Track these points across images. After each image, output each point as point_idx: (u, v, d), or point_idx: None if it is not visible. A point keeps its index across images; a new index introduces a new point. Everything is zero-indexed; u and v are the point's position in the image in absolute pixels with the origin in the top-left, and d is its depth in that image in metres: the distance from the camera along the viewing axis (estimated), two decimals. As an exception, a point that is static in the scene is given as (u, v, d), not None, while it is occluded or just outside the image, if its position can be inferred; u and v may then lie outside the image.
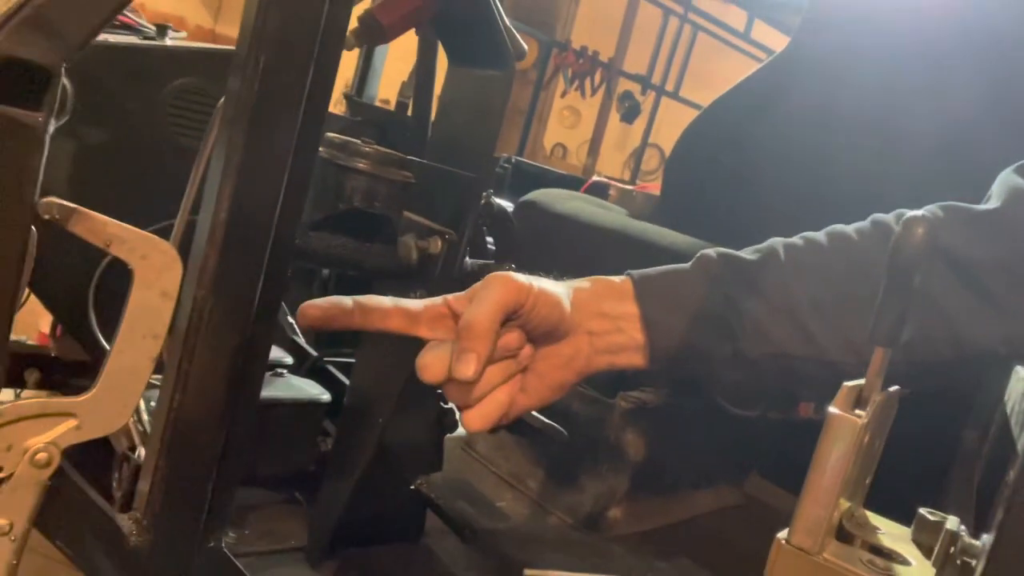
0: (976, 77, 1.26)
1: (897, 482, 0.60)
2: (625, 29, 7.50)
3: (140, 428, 0.83)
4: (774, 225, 0.67)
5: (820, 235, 0.60)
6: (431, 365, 0.53)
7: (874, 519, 0.36)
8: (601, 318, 0.59)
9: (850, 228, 0.60)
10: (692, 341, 0.58)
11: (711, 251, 0.61)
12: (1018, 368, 0.51)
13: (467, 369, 0.51)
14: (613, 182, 2.27)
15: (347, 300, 0.54)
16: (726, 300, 0.58)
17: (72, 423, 0.46)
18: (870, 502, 0.40)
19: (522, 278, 0.55)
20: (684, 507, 1.44)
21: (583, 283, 0.60)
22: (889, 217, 0.59)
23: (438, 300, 0.57)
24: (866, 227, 0.59)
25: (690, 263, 0.61)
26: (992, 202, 0.57)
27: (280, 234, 0.56)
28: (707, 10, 6.77)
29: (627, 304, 0.59)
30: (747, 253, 0.61)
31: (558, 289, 0.58)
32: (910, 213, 0.57)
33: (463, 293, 0.57)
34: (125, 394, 0.48)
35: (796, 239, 0.60)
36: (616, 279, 0.61)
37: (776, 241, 0.61)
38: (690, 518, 1.43)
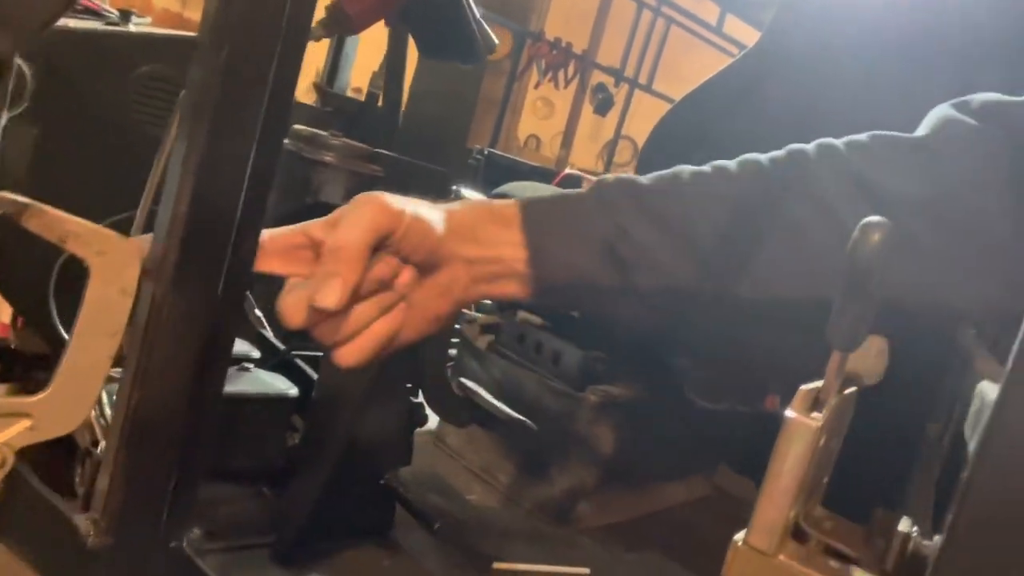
0: (949, 75, 1.27)
1: (860, 478, 0.60)
2: (599, 21, 7.51)
3: (103, 423, 0.82)
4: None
5: (731, 163, 0.56)
6: (293, 309, 0.49)
7: (831, 520, 0.36)
8: (478, 244, 0.54)
9: (764, 157, 0.55)
10: (580, 271, 0.54)
11: (610, 176, 0.57)
12: (976, 361, 0.51)
13: (331, 295, 0.46)
14: (585, 174, 2.28)
15: None
16: (617, 228, 0.53)
17: (26, 423, 0.45)
18: (833, 498, 0.40)
19: (394, 201, 0.51)
20: (654, 500, 1.45)
21: (459, 206, 0.56)
22: (808, 146, 0.55)
23: (294, 228, 0.53)
24: (780, 155, 0.55)
25: (586, 189, 0.57)
26: (921, 130, 0.54)
27: (244, 227, 0.55)
28: (680, 3, 6.80)
29: (511, 231, 0.55)
30: (648, 179, 0.56)
31: (432, 215, 0.53)
32: (839, 154, 0.53)
33: (324, 219, 0.52)
34: (82, 393, 0.47)
35: (705, 167, 0.56)
36: (501, 203, 0.56)
37: (683, 167, 0.56)
38: (660, 510, 1.44)
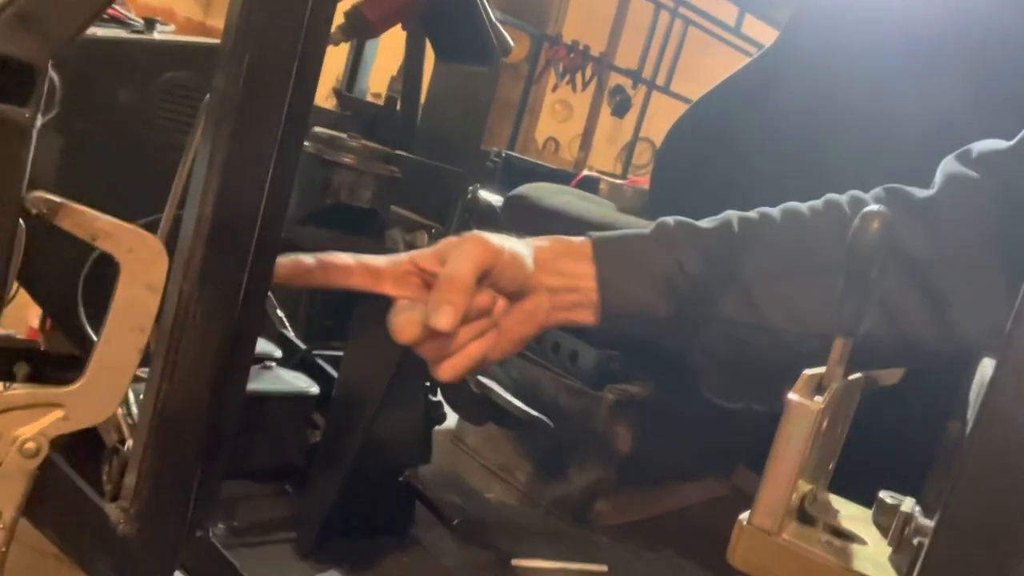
0: (963, 73, 1.27)
1: (885, 475, 0.62)
2: (616, 23, 7.50)
3: (130, 421, 0.84)
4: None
5: (775, 211, 0.63)
6: (405, 326, 0.55)
7: (837, 502, 0.37)
8: (560, 275, 0.61)
9: (804, 206, 0.62)
10: (642, 302, 0.61)
11: (670, 219, 0.64)
12: (984, 359, 0.52)
13: (445, 319, 0.52)
14: (603, 176, 2.28)
15: (309, 258, 0.55)
16: (677, 265, 0.60)
17: (59, 413, 0.47)
18: (857, 493, 0.41)
19: (495, 240, 0.57)
20: (671, 499, 1.45)
21: (544, 242, 0.63)
22: (842, 198, 0.62)
23: (403, 256, 0.59)
24: (818, 206, 0.62)
25: (650, 228, 0.64)
26: (931, 188, 0.59)
27: (266, 228, 0.57)
28: (698, 4, 6.77)
29: (585, 264, 0.62)
30: (704, 223, 0.63)
31: (523, 250, 0.60)
32: (868, 205, 0.59)
33: (429, 250, 0.59)
34: (112, 385, 0.49)
35: (752, 213, 0.63)
36: (576, 239, 0.64)
37: (732, 214, 0.63)
38: (677, 510, 1.44)
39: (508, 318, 0.60)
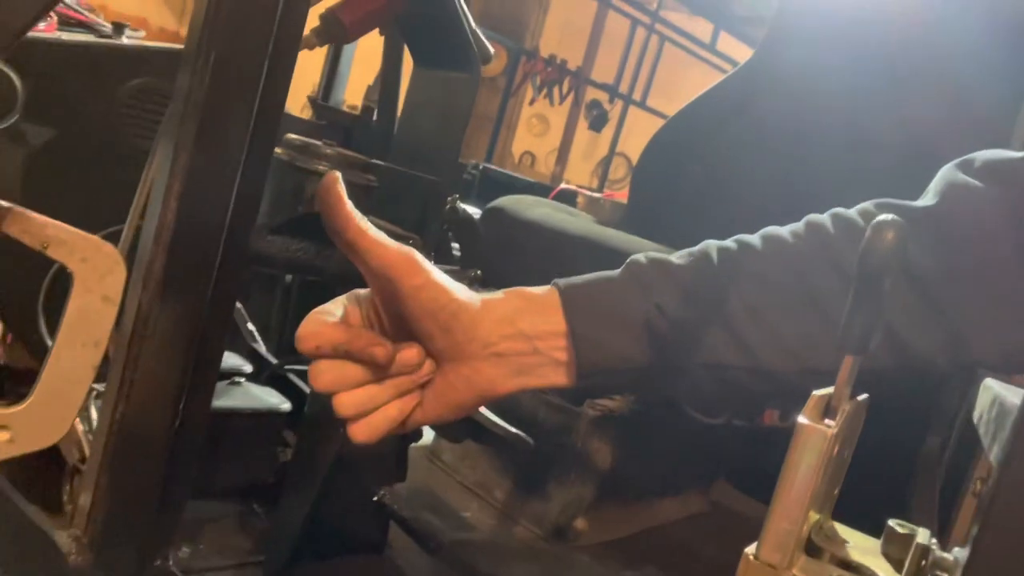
0: (936, 90, 1.28)
1: (859, 490, 0.59)
2: (593, 38, 7.55)
3: (91, 439, 0.80)
4: (740, 232, 0.66)
5: (754, 238, 0.58)
6: (318, 373, 0.51)
7: (843, 531, 0.35)
8: (514, 339, 0.54)
9: (784, 230, 0.57)
10: (622, 353, 0.55)
11: (641, 256, 0.58)
12: (987, 380, 0.50)
13: (315, 381, 0.50)
14: (581, 189, 2.27)
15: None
16: (657, 309, 0.55)
17: (4, 436, 0.43)
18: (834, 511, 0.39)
19: (425, 267, 0.52)
20: (651, 515, 1.43)
21: (499, 296, 0.55)
22: (824, 218, 0.57)
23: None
24: (800, 229, 0.57)
25: (619, 269, 0.58)
26: (930, 198, 0.55)
27: (233, 237, 0.54)
28: (673, 21, 6.84)
29: (551, 318, 0.55)
30: (678, 258, 0.57)
31: (467, 304, 0.53)
32: (856, 223, 0.56)
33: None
34: (63, 405, 0.46)
35: (729, 242, 0.58)
36: (538, 291, 0.56)
37: (709, 245, 0.58)
38: (657, 526, 1.42)
39: (444, 380, 0.54)
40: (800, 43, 1.51)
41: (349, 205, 0.50)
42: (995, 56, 1.20)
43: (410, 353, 0.52)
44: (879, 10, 1.44)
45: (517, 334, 0.54)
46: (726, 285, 0.55)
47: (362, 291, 0.54)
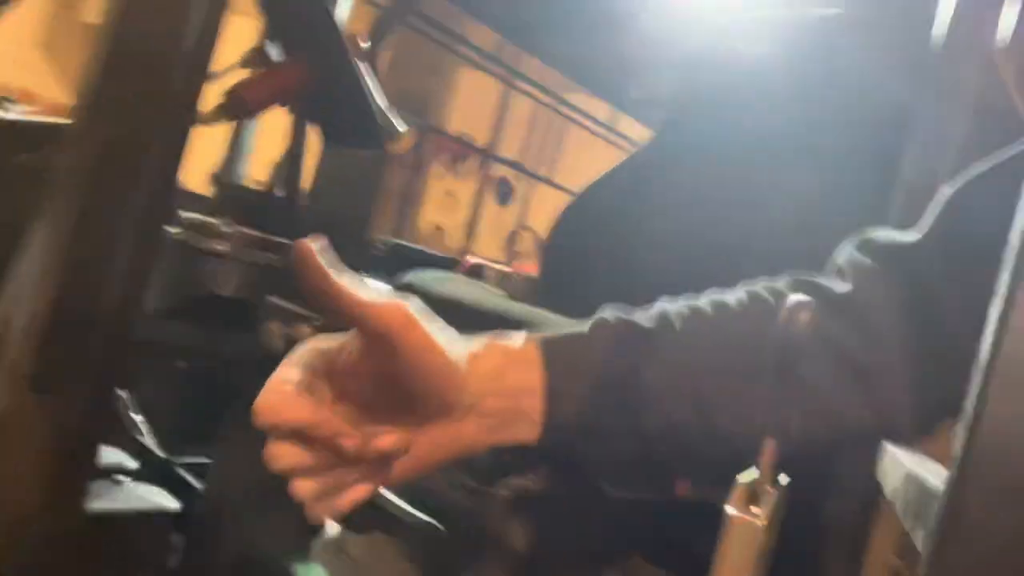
0: (816, 166, 1.35)
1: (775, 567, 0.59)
2: (499, 115, 7.78)
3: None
4: (647, 304, 0.67)
5: (704, 304, 0.58)
6: (277, 455, 0.47)
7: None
8: (499, 396, 0.52)
9: (730, 298, 0.58)
10: (594, 412, 0.53)
11: (608, 315, 0.57)
12: (886, 447, 0.51)
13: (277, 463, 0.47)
14: (490, 264, 2.28)
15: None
16: (631, 370, 0.54)
17: None
18: None
19: (420, 323, 0.50)
20: (569, 598, 1.39)
21: (480, 349, 0.53)
22: (759, 288, 0.58)
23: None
24: (744, 298, 0.58)
25: (588, 327, 0.57)
26: (843, 284, 0.57)
27: (116, 324, 0.50)
28: (575, 103, 7.14)
29: (532, 373, 0.53)
30: (643, 320, 0.57)
31: (457, 360, 0.50)
32: (786, 296, 0.58)
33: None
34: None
35: (682, 307, 0.58)
36: (515, 345, 0.54)
37: (665, 308, 0.58)
38: (575, 610, 1.38)
39: (425, 440, 0.51)
40: (704, 120, 1.58)
41: (332, 273, 0.46)
42: (866, 139, 1.29)
43: (386, 441, 0.47)
44: (765, 94, 1.53)
45: (503, 390, 0.53)
46: (689, 349, 0.55)
47: (329, 342, 0.50)
